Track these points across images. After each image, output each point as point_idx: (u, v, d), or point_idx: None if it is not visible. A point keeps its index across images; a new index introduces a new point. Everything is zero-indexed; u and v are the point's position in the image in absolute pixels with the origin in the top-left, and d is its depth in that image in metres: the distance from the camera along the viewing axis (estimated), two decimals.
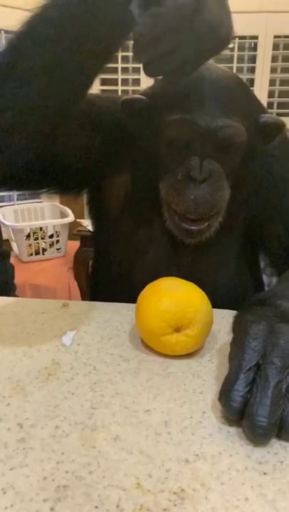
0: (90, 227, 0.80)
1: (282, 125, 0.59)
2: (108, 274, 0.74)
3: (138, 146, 0.62)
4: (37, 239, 2.11)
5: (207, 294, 0.49)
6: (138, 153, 0.63)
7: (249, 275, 0.75)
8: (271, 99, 2.34)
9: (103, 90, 2.31)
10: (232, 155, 0.57)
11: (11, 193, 2.40)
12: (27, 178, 0.62)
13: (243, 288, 0.72)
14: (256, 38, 2.22)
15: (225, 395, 0.37)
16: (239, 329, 0.41)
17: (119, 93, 2.25)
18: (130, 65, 2.26)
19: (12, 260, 1.51)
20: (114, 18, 0.42)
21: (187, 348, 0.47)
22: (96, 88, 2.29)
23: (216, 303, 0.51)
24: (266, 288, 0.82)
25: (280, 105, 2.36)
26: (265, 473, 0.33)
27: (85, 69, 0.47)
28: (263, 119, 0.58)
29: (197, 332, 0.46)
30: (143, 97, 0.59)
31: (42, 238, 2.12)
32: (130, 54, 2.21)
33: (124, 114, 0.60)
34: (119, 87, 2.24)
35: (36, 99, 0.47)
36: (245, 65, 2.36)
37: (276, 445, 0.36)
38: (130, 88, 2.29)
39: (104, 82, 2.34)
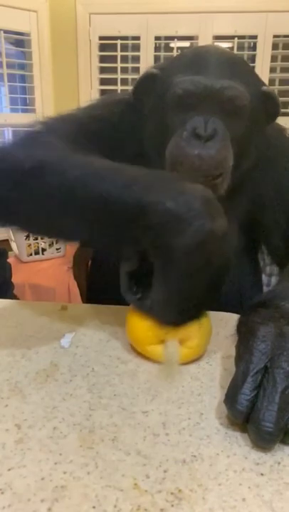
0: None
1: (277, 100, 0.61)
2: (107, 273, 0.74)
3: (142, 128, 0.64)
4: (36, 239, 2.10)
5: None
6: (142, 139, 0.64)
7: (248, 269, 0.75)
8: None
9: (102, 90, 2.31)
10: (236, 118, 0.57)
11: None
12: None
13: (241, 280, 0.72)
14: (255, 37, 2.21)
15: (231, 398, 0.37)
16: (246, 331, 0.41)
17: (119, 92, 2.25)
18: (129, 65, 2.26)
19: (12, 260, 1.51)
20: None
21: (190, 358, 0.47)
22: (96, 88, 2.29)
23: None
24: (265, 287, 0.82)
25: None
26: (262, 474, 0.33)
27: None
28: (263, 88, 0.61)
29: (198, 342, 0.46)
30: (154, 70, 0.63)
31: (41, 238, 2.11)
32: (129, 54, 2.18)
33: (133, 95, 0.64)
34: (119, 87, 2.24)
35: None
36: None
37: None
38: (130, 88, 2.29)
39: (103, 81, 2.34)
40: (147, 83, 0.62)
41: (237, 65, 0.60)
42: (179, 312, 0.43)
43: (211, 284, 0.41)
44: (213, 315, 0.49)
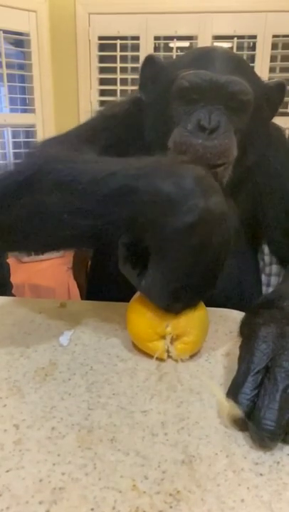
0: None
1: (283, 85, 0.63)
2: (106, 272, 0.74)
3: (147, 118, 0.64)
4: None
5: None
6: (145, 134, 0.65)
7: (249, 267, 0.74)
8: None
9: (102, 90, 2.31)
10: (240, 113, 0.58)
11: None
12: None
13: (242, 279, 0.72)
14: (255, 37, 2.21)
15: (232, 397, 0.36)
16: (248, 332, 0.41)
17: (118, 93, 2.25)
18: (129, 65, 2.25)
19: (11, 260, 1.51)
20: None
21: (185, 354, 0.47)
22: (95, 88, 2.29)
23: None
24: (264, 287, 0.82)
25: None
26: (261, 474, 0.33)
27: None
28: (266, 82, 0.63)
29: (194, 338, 0.46)
30: (156, 57, 0.65)
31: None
32: (129, 54, 2.17)
33: (140, 78, 0.65)
34: (118, 87, 2.24)
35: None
36: None
37: None
38: (129, 88, 2.29)
39: (102, 81, 2.33)
40: (150, 68, 0.64)
41: (241, 63, 0.62)
42: (174, 297, 0.42)
43: (209, 267, 0.41)
44: (213, 311, 0.49)
